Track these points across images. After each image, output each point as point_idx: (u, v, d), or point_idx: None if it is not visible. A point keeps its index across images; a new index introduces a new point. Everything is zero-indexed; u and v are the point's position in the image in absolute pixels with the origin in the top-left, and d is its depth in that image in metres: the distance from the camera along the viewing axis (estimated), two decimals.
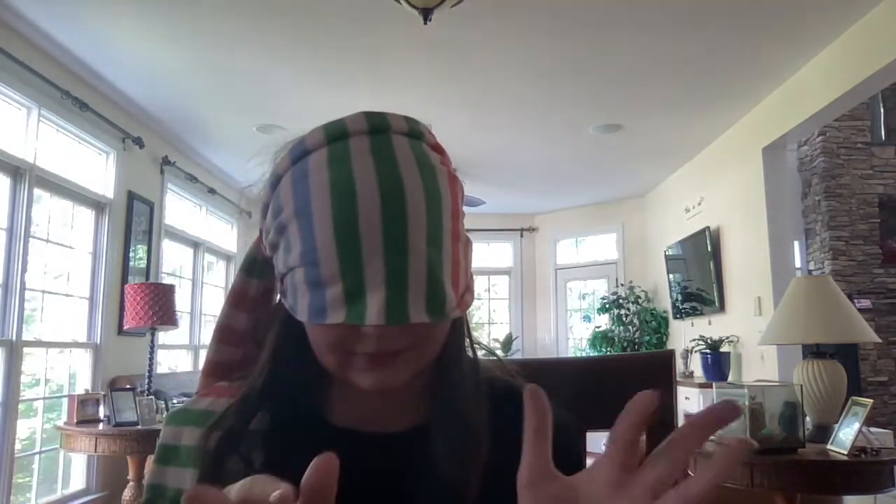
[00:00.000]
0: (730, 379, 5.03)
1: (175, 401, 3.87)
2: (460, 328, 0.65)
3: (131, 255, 4.60)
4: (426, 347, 0.58)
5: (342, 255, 0.54)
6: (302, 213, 0.56)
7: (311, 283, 0.56)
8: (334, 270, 0.55)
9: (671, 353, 0.85)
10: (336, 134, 0.59)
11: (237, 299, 0.70)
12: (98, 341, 4.27)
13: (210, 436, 0.60)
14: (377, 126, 0.59)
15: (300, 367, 0.62)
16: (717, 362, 5.07)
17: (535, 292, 8.22)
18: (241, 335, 0.71)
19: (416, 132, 0.61)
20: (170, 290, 4.00)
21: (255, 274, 0.70)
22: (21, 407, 3.59)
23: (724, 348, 5.14)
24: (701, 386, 4.83)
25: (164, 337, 4.87)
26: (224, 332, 0.71)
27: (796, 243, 6.45)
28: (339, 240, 0.54)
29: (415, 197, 0.56)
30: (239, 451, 0.59)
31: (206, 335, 5.76)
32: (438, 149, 0.63)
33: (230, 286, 0.72)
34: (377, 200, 0.55)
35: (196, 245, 5.92)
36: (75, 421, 3.56)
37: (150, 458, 3.51)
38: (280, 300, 0.63)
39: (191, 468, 0.62)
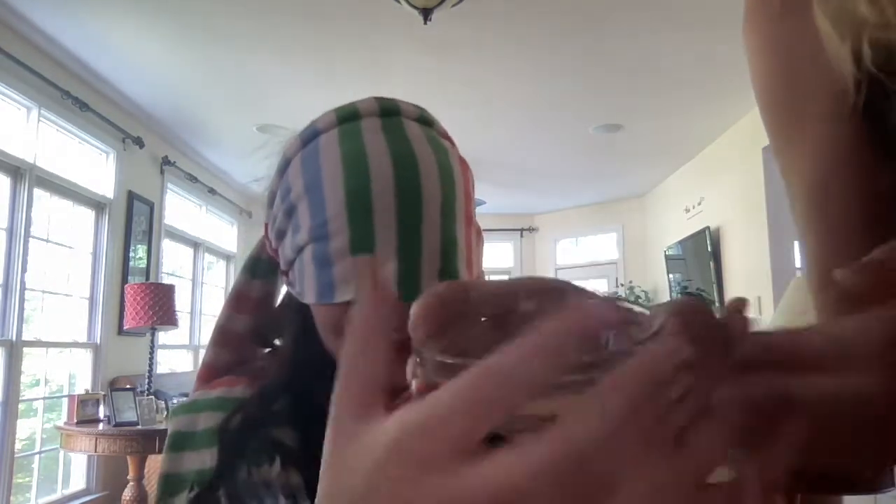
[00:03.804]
0: None
1: (175, 401, 3.87)
2: None
3: (131, 255, 4.60)
4: None
5: (353, 226, 0.53)
6: (312, 187, 0.56)
7: (319, 261, 0.55)
8: (344, 242, 0.53)
9: None
10: (347, 115, 0.59)
11: (238, 301, 0.69)
12: (98, 341, 4.26)
13: (232, 418, 0.60)
14: (388, 109, 0.59)
15: (320, 355, 0.61)
16: None
17: None
18: (240, 338, 0.69)
19: (426, 119, 0.62)
20: (170, 290, 4.00)
21: (259, 275, 0.69)
22: (21, 407, 3.58)
23: None
24: None
25: (164, 337, 4.87)
26: (223, 335, 0.69)
27: (796, 243, 6.43)
28: (350, 209, 0.53)
29: (428, 169, 0.55)
30: (263, 429, 0.59)
31: (206, 335, 5.74)
32: (448, 137, 0.64)
33: (231, 288, 0.71)
34: (390, 170, 0.54)
35: (196, 245, 5.92)
36: (75, 421, 3.56)
37: (151, 458, 3.51)
38: (287, 296, 0.62)
39: (209, 448, 0.60)
